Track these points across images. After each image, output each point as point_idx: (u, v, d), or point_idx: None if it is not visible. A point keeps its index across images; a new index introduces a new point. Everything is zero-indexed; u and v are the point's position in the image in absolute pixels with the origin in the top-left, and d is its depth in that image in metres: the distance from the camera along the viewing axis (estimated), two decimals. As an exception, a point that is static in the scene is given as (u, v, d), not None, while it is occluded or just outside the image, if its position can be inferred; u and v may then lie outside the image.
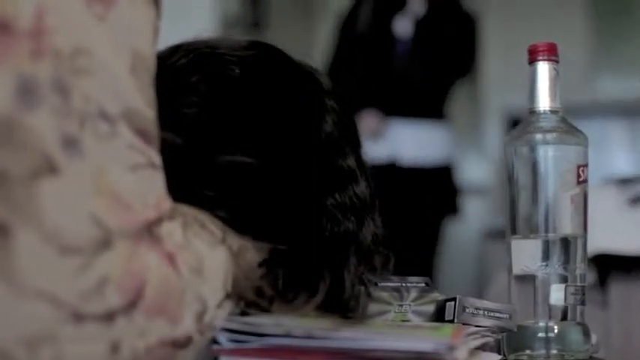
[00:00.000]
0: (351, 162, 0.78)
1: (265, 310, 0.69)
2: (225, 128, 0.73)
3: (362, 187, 0.77)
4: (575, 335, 0.85)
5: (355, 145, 0.80)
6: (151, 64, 0.64)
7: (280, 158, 0.73)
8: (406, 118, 2.89)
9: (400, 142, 2.89)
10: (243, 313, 0.68)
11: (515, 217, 0.88)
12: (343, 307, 0.71)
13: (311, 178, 0.74)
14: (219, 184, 0.71)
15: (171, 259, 0.62)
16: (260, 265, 0.70)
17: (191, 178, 0.71)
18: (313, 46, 4.32)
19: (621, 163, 4.15)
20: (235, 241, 0.69)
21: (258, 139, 0.73)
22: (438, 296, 0.77)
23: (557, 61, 0.90)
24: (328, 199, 0.74)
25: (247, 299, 0.69)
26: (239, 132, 0.73)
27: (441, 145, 2.97)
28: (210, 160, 0.72)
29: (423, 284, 0.77)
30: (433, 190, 2.96)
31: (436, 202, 2.98)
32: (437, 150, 2.95)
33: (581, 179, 0.87)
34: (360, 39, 2.99)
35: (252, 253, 0.70)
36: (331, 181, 0.75)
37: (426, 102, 2.96)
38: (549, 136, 0.87)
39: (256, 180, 0.72)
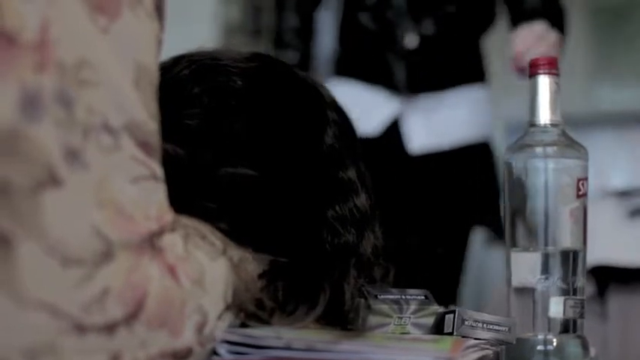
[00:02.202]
0: (351, 174, 0.78)
1: (265, 322, 0.69)
2: (227, 140, 0.73)
3: (362, 199, 0.78)
4: (574, 348, 0.85)
5: (356, 157, 0.81)
6: (154, 77, 0.64)
7: (281, 170, 0.74)
8: (427, 93, 2.00)
9: (415, 124, 2.00)
10: (244, 325, 0.68)
11: (515, 230, 0.88)
12: (343, 319, 0.71)
13: (312, 190, 0.75)
14: (221, 196, 0.72)
15: (172, 270, 0.62)
16: (260, 276, 0.71)
17: (193, 189, 0.71)
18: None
19: (621, 175, 4.16)
20: (236, 252, 0.69)
21: (259, 151, 0.74)
22: (437, 309, 0.77)
23: (557, 75, 0.90)
24: (329, 211, 0.75)
25: (247, 311, 0.69)
26: (241, 144, 0.73)
27: (474, 118, 2.05)
28: (212, 171, 0.72)
29: (423, 297, 0.77)
30: (463, 184, 2.03)
31: (467, 203, 2.05)
32: (468, 127, 2.03)
33: (580, 193, 0.87)
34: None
35: (253, 264, 0.70)
36: (332, 193, 0.76)
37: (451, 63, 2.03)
38: (549, 150, 0.87)
39: (258, 192, 0.72)
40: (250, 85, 0.76)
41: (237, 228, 0.71)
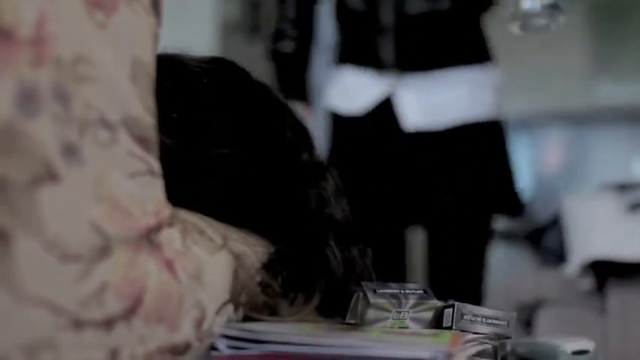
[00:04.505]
0: (311, 157, 0.82)
1: (267, 315, 0.70)
2: (210, 128, 0.75)
3: (328, 181, 0.81)
4: None
5: (311, 147, 0.84)
6: (151, 72, 0.64)
7: (256, 152, 0.76)
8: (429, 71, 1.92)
9: (412, 103, 1.91)
10: (246, 318, 0.69)
11: None
12: (335, 283, 0.74)
13: (283, 169, 0.78)
14: (216, 174, 0.73)
15: (170, 265, 0.62)
16: (259, 270, 0.71)
17: (189, 173, 0.72)
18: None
19: (622, 169, 4.16)
20: (237, 247, 0.70)
21: (235, 136, 0.76)
22: (436, 303, 0.77)
23: None
24: (299, 190, 0.78)
25: (248, 304, 0.70)
26: (221, 131, 0.75)
27: (476, 98, 1.95)
28: (204, 153, 0.74)
29: (422, 291, 0.77)
30: (475, 167, 1.93)
31: (481, 188, 1.93)
32: (469, 107, 1.94)
33: None
34: None
35: (252, 259, 0.71)
36: (300, 174, 0.79)
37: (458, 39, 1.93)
38: None
39: (241, 169, 0.75)
40: (214, 83, 0.78)
41: (231, 206, 0.73)
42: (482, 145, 1.95)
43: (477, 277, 1.94)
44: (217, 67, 0.81)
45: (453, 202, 1.91)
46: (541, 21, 1.06)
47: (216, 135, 0.75)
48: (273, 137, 0.79)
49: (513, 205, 1.94)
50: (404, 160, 1.93)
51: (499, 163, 1.95)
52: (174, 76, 0.76)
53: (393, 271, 1.96)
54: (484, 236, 1.96)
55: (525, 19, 1.07)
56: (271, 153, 0.77)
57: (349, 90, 2.00)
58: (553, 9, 1.09)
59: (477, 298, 1.89)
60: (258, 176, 0.75)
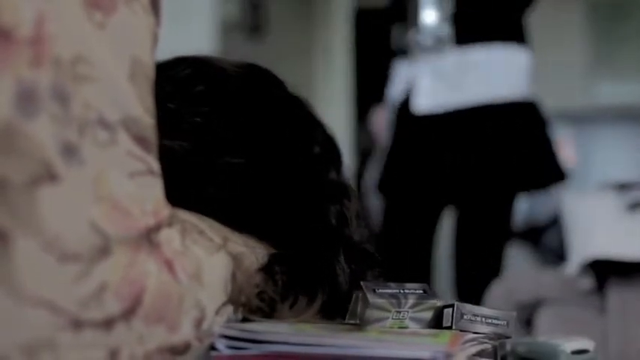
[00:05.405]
0: (339, 176, 0.81)
1: (266, 316, 0.70)
2: (232, 135, 0.75)
3: (352, 202, 0.80)
4: None
5: (339, 165, 0.83)
6: (150, 72, 0.64)
7: (276, 162, 0.76)
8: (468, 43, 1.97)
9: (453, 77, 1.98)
10: (245, 320, 0.69)
11: None
12: (340, 301, 0.73)
13: (308, 182, 0.77)
14: (229, 182, 0.73)
15: (169, 265, 0.62)
16: (259, 271, 0.71)
17: (201, 177, 0.73)
18: (313, 50, 4.33)
19: (621, 168, 4.16)
20: (235, 248, 0.70)
21: (259, 147, 0.76)
22: (436, 303, 0.77)
23: None
24: (319, 204, 0.77)
25: (248, 305, 0.69)
26: (245, 139, 0.75)
27: (519, 72, 2.03)
28: (219, 160, 0.73)
29: (421, 291, 0.77)
30: (514, 142, 2.02)
31: (508, 166, 2.01)
32: (513, 80, 2.02)
33: None
34: None
35: (251, 259, 0.71)
36: (323, 189, 0.78)
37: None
38: None
39: (258, 178, 0.74)
40: (246, 90, 0.78)
41: (246, 212, 0.73)
42: (512, 124, 2.00)
43: (499, 249, 2.02)
44: (251, 75, 0.80)
45: (480, 179, 2.00)
46: (428, 49, 1.49)
47: (234, 142, 0.75)
48: (299, 150, 0.78)
49: (554, 174, 2.00)
50: (433, 142, 2.04)
51: (531, 142, 2.02)
52: (206, 80, 0.77)
53: (422, 250, 2.12)
54: (508, 210, 2.03)
55: (416, 47, 1.53)
56: (294, 165, 0.77)
57: (396, 82, 2.16)
58: (439, 41, 1.49)
59: (497, 267, 1.98)
60: (274, 186, 0.75)
